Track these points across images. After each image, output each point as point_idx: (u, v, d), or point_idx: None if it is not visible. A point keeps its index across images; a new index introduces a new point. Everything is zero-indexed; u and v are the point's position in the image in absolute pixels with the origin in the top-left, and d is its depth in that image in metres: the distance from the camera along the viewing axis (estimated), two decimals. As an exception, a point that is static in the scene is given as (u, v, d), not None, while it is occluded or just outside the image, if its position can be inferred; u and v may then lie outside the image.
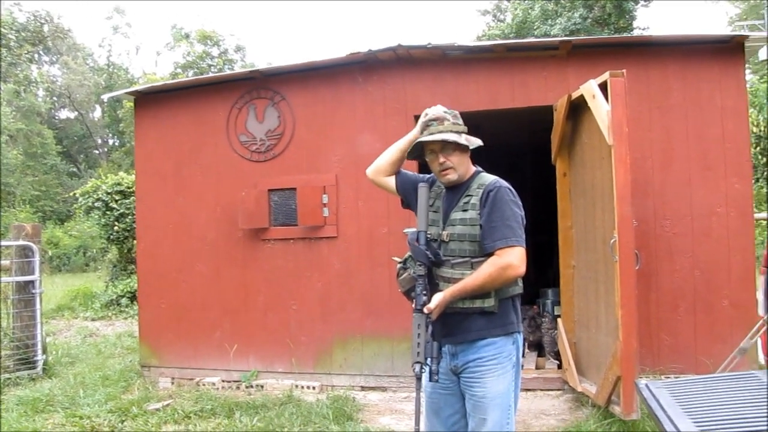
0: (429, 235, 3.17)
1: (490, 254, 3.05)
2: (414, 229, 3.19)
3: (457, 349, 3.17)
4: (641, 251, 5.81)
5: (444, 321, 3.09)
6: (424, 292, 3.02)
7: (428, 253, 3.07)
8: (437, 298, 3.00)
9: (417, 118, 6.78)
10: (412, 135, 3.43)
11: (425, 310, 2.97)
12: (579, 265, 6.36)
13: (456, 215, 3.18)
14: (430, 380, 3.00)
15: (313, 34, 70.15)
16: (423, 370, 2.93)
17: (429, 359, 2.94)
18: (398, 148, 3.50)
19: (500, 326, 3.15)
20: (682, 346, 6.28)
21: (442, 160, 3.20)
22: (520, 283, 3.21)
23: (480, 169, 3.35)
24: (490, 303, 3.09)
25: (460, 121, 3.30)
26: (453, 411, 3.27)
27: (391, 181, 3.54)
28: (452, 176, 3.22)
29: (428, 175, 3.45)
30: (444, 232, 3.17)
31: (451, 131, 3.19)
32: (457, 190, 3.26)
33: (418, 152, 3.34)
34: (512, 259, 3.01)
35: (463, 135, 3.23)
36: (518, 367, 3.25)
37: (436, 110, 3.30)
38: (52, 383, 7.59)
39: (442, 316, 3.05)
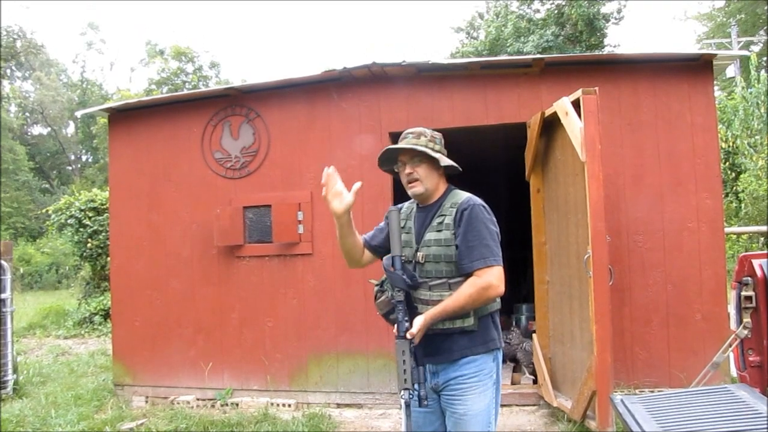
0: (403, 258, 3.14)
1: (468, 274, 3.03)
2: (388, 254, 3.16)
3: (438, 367, 3.13)
4: (615, 266, 5.87)
5: (425, 341, 3.03)
6: (406, 318, 2.97)
7: (405, 277, 3.03)
8: (418, 323, 2.94)
9: (391, 135, 6.83)
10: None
11: (408, 336, 2.92)
12: (553, 280, 6.40)
13: (430, 236, 3.14)
14: (420, 406, 2.93)
15: (287, 51, 70.34)
16: (411, 396, 2.87)
17: (416, 385, 2.89)
18: (338, 226, 3.21)
19: (482, 344, 3.13)
20: (656, 359, 6.33)
21: (409, 170, 3.19)
22: (498, 299, 3.17)
23: (452, 186, 3.32)
24: (470, 322, 3.06)
25: (439, 144, 3.27)
26: (433, 429, 3.25)
27: (368, 255, 3.42)
28: (419, 188, 3.20)
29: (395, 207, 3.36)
30: (419, 254, 3.14)
31: (425, 146, 3.17)
32: (429, 209, 3.24)
33: (390, 163, 3.34)
34: (492, 279, 2.98)
35: (438, 154, 3.19)
36: (498, 384, 3.24)
37: (418, 127, 3.29)
38: (22, 403, 7.46)
39: (423, 337, 3.00)
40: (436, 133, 3.30)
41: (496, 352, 3.21)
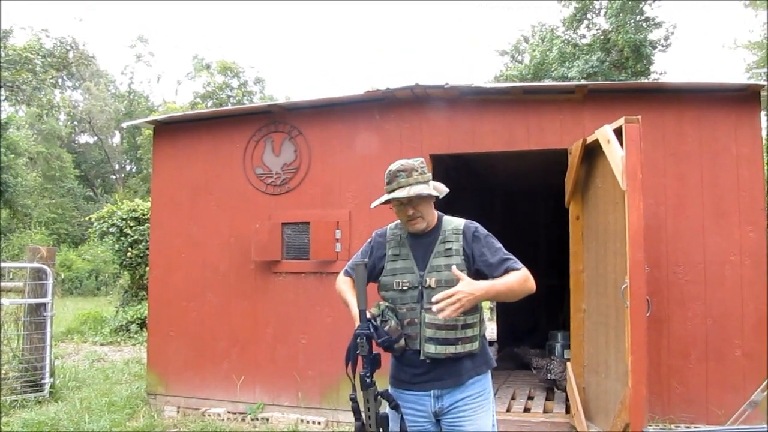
0: (406, 284, 3.24)
1: None
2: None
3: (443, 391, 3.22)
4: (653, 297, 5.78)
5: (431, 367, 3.17)
6: (368, 374, 3.06)
7: (374, 332, 3.13)
8: (474, 285, 3.02)
9: (432, 157, 6.83)
10: (354, 311, 3.32)
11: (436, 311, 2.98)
12: (590, 309, 6.33)
13: (439, 261, 3.21)
14: None
15: (331, 70, 70.94)
16: None
17: (380, 428, 3.01)
18: (343, 300, 3.48)
19: (484, 363, 3.31)
20: (693, 394, 6.20)
21: (411, 212, 3.23)
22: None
23: (441, 213, 3.41)
24: (476, 346, 3.22)
25: (426, 169, 3.31)
26: None
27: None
28: (421, 225, 3.26)
29: (380, 230, 3.49)
30: (429, 279, 3.20)
31: (419, 182, 3.22)
32: (428, 236, 3.31)
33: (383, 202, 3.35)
34: (528, 273, 3.18)
35: (431, 183, 3.28)
36: (494, 400, 3.39)
37: (402, 162, 3.30)
38: (58, 407, 7.60)
39: (431, 363, 3.16)
40: (419, 160, 3.34)
41: (491, 369, 3.38)
